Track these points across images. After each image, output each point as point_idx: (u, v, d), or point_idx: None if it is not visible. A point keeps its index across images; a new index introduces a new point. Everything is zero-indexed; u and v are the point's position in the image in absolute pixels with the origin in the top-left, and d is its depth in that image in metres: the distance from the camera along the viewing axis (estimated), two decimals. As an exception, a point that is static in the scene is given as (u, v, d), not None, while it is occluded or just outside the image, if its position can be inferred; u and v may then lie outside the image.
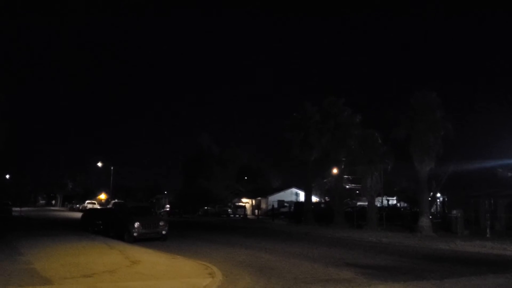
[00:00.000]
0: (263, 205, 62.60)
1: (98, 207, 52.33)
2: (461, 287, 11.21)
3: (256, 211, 59.09)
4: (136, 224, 21.07)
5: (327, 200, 53.45)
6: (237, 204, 61.23)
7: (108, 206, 49.06)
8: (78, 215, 41.13)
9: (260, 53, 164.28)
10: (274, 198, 62.20)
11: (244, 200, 65.28)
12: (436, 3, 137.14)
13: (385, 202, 47.75)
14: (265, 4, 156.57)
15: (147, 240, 20.87)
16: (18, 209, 52.82)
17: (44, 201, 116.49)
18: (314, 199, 49.58)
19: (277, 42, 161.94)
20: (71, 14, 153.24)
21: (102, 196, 78.01)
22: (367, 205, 33.76)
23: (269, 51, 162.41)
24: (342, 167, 36.40)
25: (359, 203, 47.65)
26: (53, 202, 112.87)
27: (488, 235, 24.71)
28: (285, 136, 39.94)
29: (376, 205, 34.29)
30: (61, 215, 56.86)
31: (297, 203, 48.41)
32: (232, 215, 56.14)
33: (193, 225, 38.70)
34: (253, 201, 65.90)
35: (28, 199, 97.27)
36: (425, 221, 27.73)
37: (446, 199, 42.56)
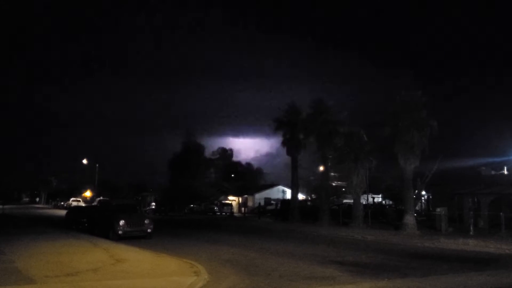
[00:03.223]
0: (250, 203, 62.57)
1: (83, 205, 51.84)
2: (444, 284, 11.31)
3: (243, 208, 59.05)
4: (121, 222, 20.92)
5: (314, 197, 53.61)
6: (223, 201, 61.10)
7: (93, 204, 48.65)
8: (63, 212, 40.79)
9: (250, 50, 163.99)
10: (261, 195, 62.22)
11: (230, 197, 65.13)
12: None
13: (370, 199, 48.03)
14: (256, 1, 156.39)
15: (132, 238, 20.73)
16: (0, 206, 51.99)
17: (28, 199, 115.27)
18: (301, 196, 49.67)
19: (268, 40, 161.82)
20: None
21: (87, 194, 77.25)
22: (353, 202, 33.94)
23: (259, 47, 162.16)
24: (329, 164, 36.55)
25: (345, 201, 47.83)
26: (37, 199, 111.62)
27: (471, 233, 25.03)
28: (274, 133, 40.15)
29: (362, 203, 34.51)
30: (45, 213, 56.27)
31: (284, 201, 48.44)
32: (219, 213, 56.05)
33: (179, 223, 38.57)
34: (240, 199, 65.83)
35: (12, 197, 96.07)
36: (409, 219, 27.94)
37: (430, 197, 43.04)
